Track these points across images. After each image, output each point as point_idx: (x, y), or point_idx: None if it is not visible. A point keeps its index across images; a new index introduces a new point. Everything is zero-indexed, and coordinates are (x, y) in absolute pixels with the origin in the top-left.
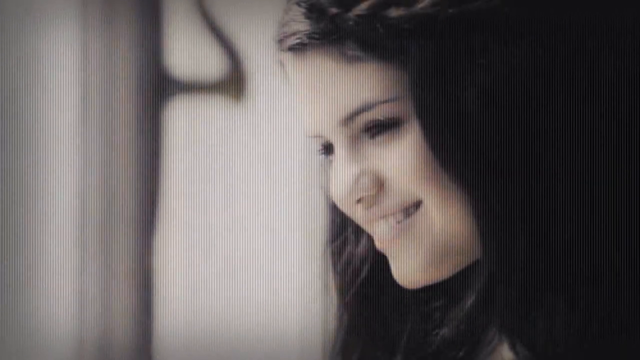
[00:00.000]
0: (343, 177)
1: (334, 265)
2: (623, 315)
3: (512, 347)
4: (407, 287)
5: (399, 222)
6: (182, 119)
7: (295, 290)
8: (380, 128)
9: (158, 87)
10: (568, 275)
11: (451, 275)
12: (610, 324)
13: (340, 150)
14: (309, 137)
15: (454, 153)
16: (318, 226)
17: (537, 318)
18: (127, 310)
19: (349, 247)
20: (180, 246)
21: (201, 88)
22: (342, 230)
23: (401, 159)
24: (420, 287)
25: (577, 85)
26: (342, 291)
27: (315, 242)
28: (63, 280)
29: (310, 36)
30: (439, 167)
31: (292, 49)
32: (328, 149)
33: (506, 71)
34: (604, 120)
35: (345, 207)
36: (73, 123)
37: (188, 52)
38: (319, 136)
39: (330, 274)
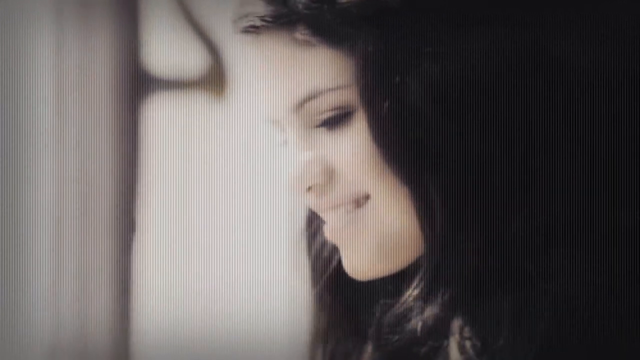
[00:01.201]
0: (293, 164)
1: (308, 252)
2: (573, 318)
3: (461, 348)
4: (356, 279)
5: (348, 213)
6: (161, 117)
7: (281, 293)
8: (331, 116)
9: (136, 84)
10: (513, 275)
11: (402, 268)
12: (561, 327)
13: (292, 137)
14: (267, 122)
15: (397, 146)
16: (303, 224)
17: (482, 319)
18: (105, 313)
19: (319, 236)
20: (160, 247)
21: (181, 85)
22: (315, 219)
23: (348, 150)
24: (368, 279)
25: (528, 77)
26: (314, 280)
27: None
28: (39, 283)
29: (263, 19)
30: (383, 160)
31: (245, 31)
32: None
33: (456, 62)
34: (546, 112)
35: (298, 194)
36: (49, 122)
37: (166, 48)
38: (275, 122)
39: (305, 262)
